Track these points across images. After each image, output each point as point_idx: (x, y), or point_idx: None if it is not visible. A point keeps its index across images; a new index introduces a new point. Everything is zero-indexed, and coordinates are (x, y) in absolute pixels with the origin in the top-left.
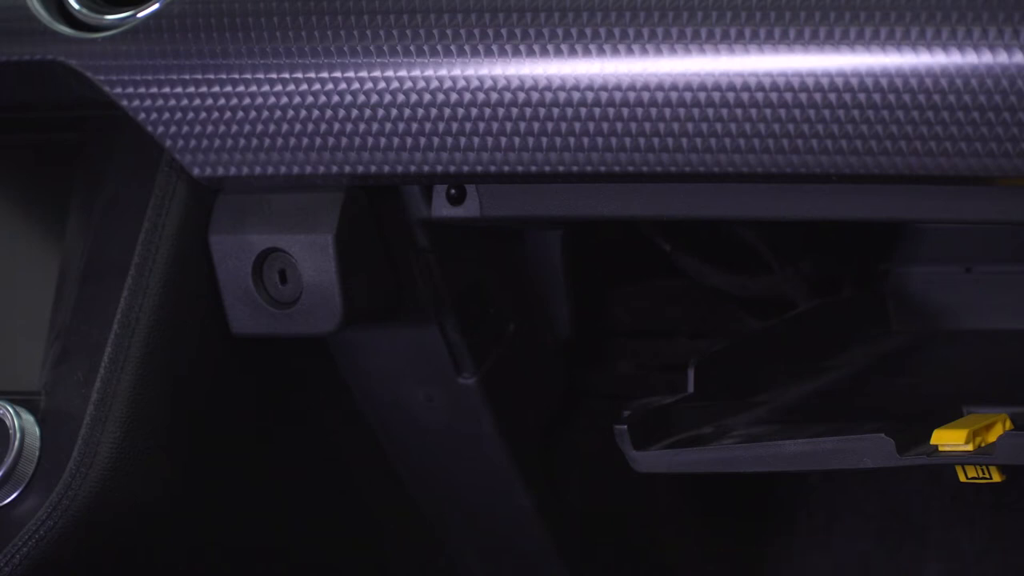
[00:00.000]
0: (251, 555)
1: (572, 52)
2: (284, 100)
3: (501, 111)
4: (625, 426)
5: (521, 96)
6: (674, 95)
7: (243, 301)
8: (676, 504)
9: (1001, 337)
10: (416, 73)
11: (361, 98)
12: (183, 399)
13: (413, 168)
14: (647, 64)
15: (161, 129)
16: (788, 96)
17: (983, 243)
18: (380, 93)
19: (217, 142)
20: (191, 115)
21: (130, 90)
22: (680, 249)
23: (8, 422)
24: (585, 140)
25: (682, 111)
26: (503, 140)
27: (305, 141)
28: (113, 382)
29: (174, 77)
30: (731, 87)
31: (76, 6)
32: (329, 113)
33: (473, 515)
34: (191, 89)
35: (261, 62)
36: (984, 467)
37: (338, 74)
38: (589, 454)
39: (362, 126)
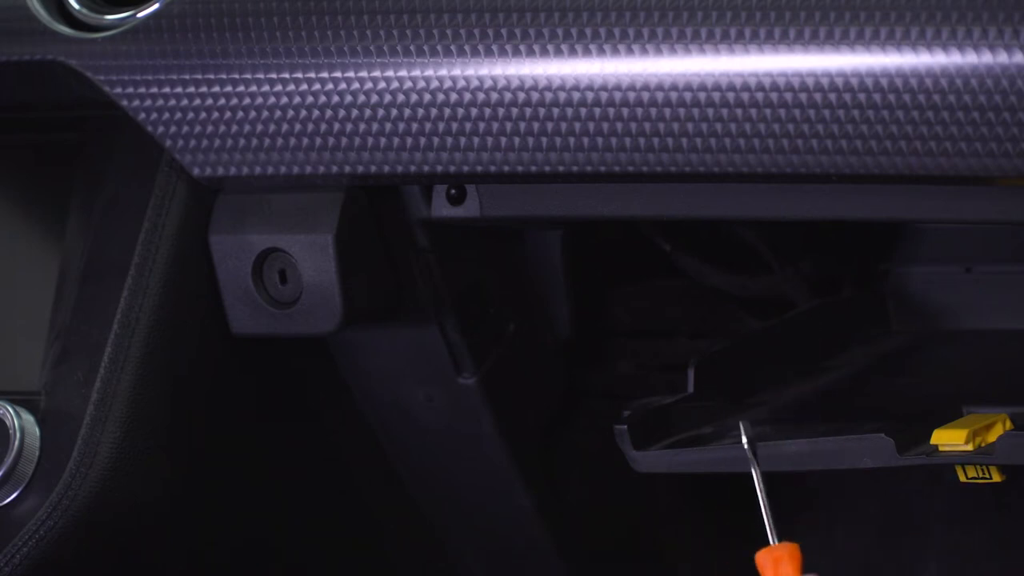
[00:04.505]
0: (251, 555)
1: (572, 52)
2: (284, 100)
3: (501, 111)
4: (625, 426)
5: (521, 96)
6: (674, 95)
7: (243, 301)
8: (676, 504)
9: (1001, 337)
10: (416, 73)
11: (361, 98)
12: (183, 399)
13: (413, 168)
14: (647, 64)
15: (161, 129)
16: (788, 96)
17: (983, 243)
18: (380, 93)
19: (217, 142)
20: (191, 115)
21: (130, 90)
22: (680, 249)
23: (8, 422)
24: (585, 140)
25: (682, 111)
26: (503, 140)
27: (305, 141)
28: (113, 382)
29: (174, 77)
30: (731, 87)
31: (76, 6)
32: (329, 113)
33: (473, 515)
34: (191, 89)
35: (261, 62)
36: (984, 467)
37: (338, 74)
38: (589, 454)
39: (362, 126)
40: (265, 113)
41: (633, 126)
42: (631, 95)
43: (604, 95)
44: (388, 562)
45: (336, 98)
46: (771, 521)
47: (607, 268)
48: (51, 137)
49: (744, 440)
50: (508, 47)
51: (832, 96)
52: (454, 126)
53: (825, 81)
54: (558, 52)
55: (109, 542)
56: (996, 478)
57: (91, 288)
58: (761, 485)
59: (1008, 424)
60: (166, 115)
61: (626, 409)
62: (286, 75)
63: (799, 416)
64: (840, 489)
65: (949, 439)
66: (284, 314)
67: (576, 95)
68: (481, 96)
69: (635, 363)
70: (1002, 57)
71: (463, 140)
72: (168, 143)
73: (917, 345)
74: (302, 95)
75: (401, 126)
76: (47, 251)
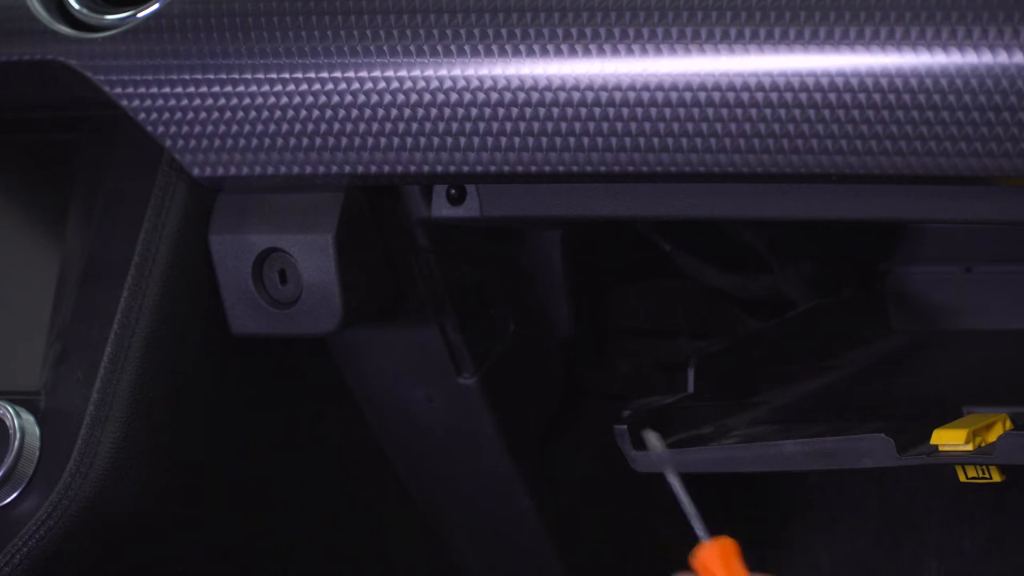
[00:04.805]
0: (251, 555)
1: (572, 52)
2: (284, 100)
3: (501, 111)
4: (625, 426)
5: (521, 96)
6: (674, 95)
7: (243, 301)
8: (676, 504)
9: (1001, 337)
10: (416, 73)
11: (361, 98)
12: (183, 399)
13: (413, 168)
14: (647, 64)
15: (161, 129)
16: (788, 96)
17: (983, 243)
18: (380, 93)
19: (217, 142)
20: (191, 115)
21: (130, 90)
22: (680, 249)
23: (8, 422)
24: (585, 140)
25: (682, 111)
26: (503, 140)
27: (305, 141)
28: (113, 382)
29: (174, 77)
30: (731, 87)
31: (76, 6)
32: (329, 113)
33: (473, 515)
34: (191, 89)
35: (261, 62)
36: (984, 467)
37: (338, 74)
38: (589, 454)
39: (362, 126)
40: (265, 113)
41: (633, 126)
42: (631, 95)
43: (604, 95)
44: (388, 562)
45: (336, 98)
46: (699, 519)
47: (607, 268)
48: (51, 137)
49: (652, 441)
50: (508, 47)
51: (832, 96)
52: (454, 126)
53: (825, 81)
54: (558, 52)
55: (109, 542)
56: (996, 478)
57: (91, 288)
58: (680, 485)
59: (1008, 424)
60: (166, 115)
61: (626, 409)
62: (286, 75)
63: (799, 416)
64: (840, 489)
65: (949, 439)
66: (284, 314)
67: (576, 95)
68: (481, 96)
69: (635, 363)
70: (1002, 57)
71: (463, 140)
72: (168, 143)
73: (917, 345)
74: (302, 95)
75: (401, 126)
76: (47, 251)
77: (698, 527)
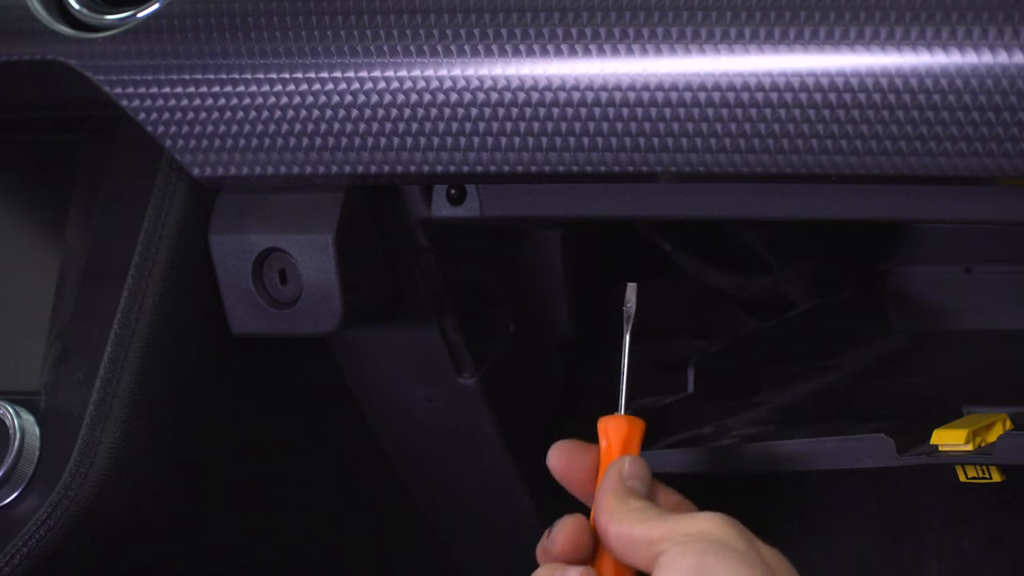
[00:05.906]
0: (251, 555)
1: (572, 52)
2: (284, 100)
3: (501, 111)
4: None
5: (521, 96)
6: (674, 95)
7: (243, 301)
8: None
9: (1001, 337)
10: (416, 73)
11: (361, 98)
12: (183, 399)
13: (413, 168)
14: (647, 64)
15: (161, 129)
16: (788, 96)
17: (983, 243)
18: (380, 93)
19: (217, 142)
20: (191, 115)
21: (130, 90)
22: (680, 249)
23: (8, 422)
24: (585, 140)
25: (682, 111)
26: (503, 140)
27: (305, 141)
28: (113, 382)
29: (174, 77)
30: (731, 87)
31: (76, 6)
32: (329, 113)
33: (473, 515)
34: (191, 89)
35: (261, 62)
36: (984, 467)
37: (338, 74)
38: None
39: (362, 126)
40: (265, 113)
41: (633, 126)
42: (631, 95)
43: (604, 95)
44: (388, 562)
45: (336, 98)
46: (624, 395)
47: (607, 268)
48: (51, 137)
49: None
50: (508, 47)
51: (832, 96)
52: (454, 126)
53: (825, 81)
54: (558, 52)
55: (109, 542)
56: (996, 478)
57: (91, 288)
58: (626, 350)
59: (1008, 424)
60: (166, 115)
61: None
62: (286, 75)
63: (799, 416)
64: (840, 489)
65: (949, 439)
66: (284, 314)
67: (576, 95)
68: (481, 96)
69: (635, 363)
70: (1002, 57)
71: (463, 140)
72: (168, 143)
73: (917, 345)
74: (302, 95)
75: (401, 126)
76: (47, 251)
77: (620, 400)
